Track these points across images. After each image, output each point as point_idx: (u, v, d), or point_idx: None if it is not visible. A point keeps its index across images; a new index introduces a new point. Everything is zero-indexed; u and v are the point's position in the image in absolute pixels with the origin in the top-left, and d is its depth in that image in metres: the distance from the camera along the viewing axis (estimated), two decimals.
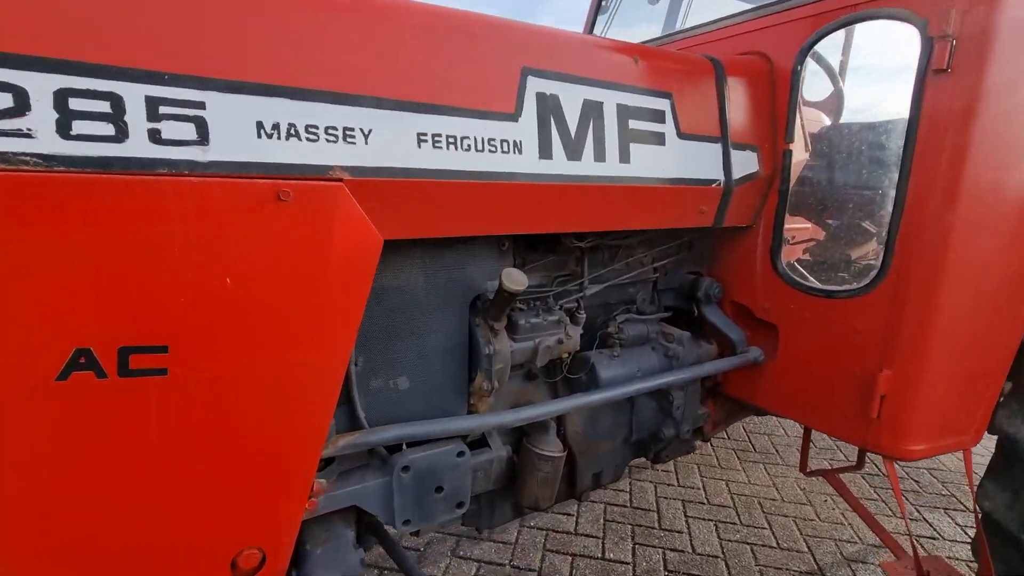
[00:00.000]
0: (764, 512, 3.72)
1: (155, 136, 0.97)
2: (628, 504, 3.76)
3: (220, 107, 1.03)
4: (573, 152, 1.53)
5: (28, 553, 1.02)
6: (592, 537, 3.41)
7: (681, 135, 1.80)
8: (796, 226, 2.37)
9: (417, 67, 1.27)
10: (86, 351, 0.97)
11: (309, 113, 1.12)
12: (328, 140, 1.14)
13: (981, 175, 1.60)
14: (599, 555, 3.24)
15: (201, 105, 1.01)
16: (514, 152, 1.42)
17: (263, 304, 1.13)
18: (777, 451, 4.57)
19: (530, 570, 3.11)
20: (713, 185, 1.91)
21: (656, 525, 3.55)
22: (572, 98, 1.52)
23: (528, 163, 1.44)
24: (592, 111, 1.56)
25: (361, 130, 1.18)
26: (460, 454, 1.58)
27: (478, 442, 1.80)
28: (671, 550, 3.29)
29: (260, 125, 1.07)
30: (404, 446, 1.53)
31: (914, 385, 1.81)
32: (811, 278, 2.12)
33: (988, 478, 2.07)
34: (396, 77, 1.23)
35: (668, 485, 4.02)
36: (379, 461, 1.53)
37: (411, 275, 1.52)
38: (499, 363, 1.62)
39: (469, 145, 1.34)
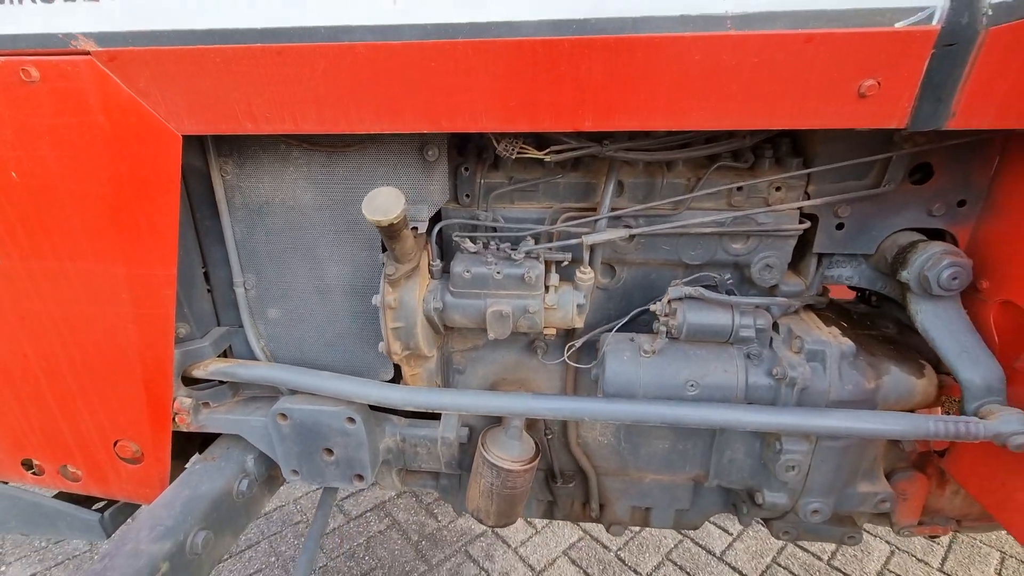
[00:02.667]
0: None
1: None
2: (825, 556, 2.59)
3: None
4: None
5: None
6: (738, 574, 2.51)
7: None
8: None
9: None
10: None
11: None
12: None
13: None
14: None
15: None
16: None
17: (51, 203, 1.04)
18: None
19: (634, 572, 2.55)
20: (899, 25, 0.80)
21: None
22: None
23: (371, 8, 0.85)
24: None
25: None
26: (351, 420, 1.24)
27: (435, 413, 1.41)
28: None
29: None
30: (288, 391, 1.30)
31: None
32: None
33: None
34: None
35: (921, 562, 2.57)
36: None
37: (293, 186, 1.17)
38: (396, 321, 1.15)
39: None
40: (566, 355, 1.30)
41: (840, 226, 1.21)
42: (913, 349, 1.27)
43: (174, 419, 1.27)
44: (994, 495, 1.13)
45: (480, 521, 1.38)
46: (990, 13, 0.78)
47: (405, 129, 0.94)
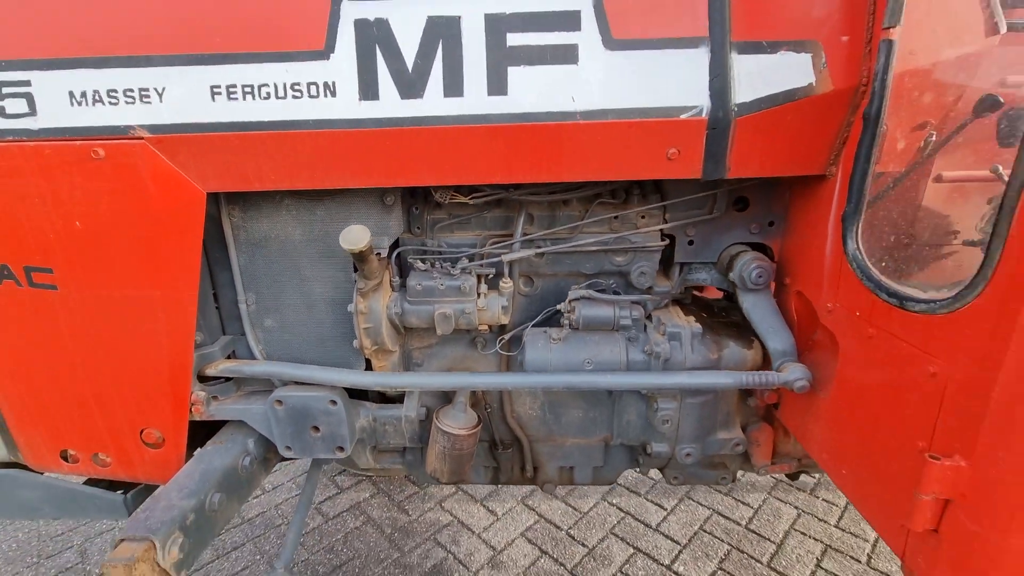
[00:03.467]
0: None
1: (1, 112, 1.29)
2: (743, 522, 3.04)
3: (41, 83, 1.27)
4: (409, 88, 1.26)
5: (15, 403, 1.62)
6: (671, 540, 2.93)
7: (613, 44, 1.24)
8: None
9: (207, 16, 1.25)
10: (3, 266, 1.42)
11: (108, 78, 1.26)
12: (127, 102, 1.28)
13: None
14: (665, 563, 2.79)
15: (28, 83, 1.27)
16: (325, 95, 1.27)
17: (106, 244, 1.40)
18: None
19: (582, 545, 2.93)
20: (683, 116, 1.27)
21: (764, 560, 2.79)
22: (408, 19, 1.23)
23: (343, 107, 1.27)
24: (442, 31, 1.23)
25: (155, 89, 1.27)
26: (333, 402, 1.61)
27: (400, 397, 1.79)
28: None
29: (71, 95, 1.28)
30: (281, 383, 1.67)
31: (1008, 498, 0.93)
32: (891, 275, 1.24)
33: None
34: (186, 31, 1.25)
35: (821, 521, 3.04)
36: None
37: (285, 225, 1.57)
38: (366, 323, 1.54)
39: (268, 93, 1.27)
40: (498, 346, 1.72)
41: (691, 242, 1.68)
42: (750, 330, 1.73)
43: (191, 410, 1.62)
44: (801, 431, 1.59)
45: (436, 480, 1.76)
46: (736, 109, 1.26)
47: (369, 184, 1.36)
